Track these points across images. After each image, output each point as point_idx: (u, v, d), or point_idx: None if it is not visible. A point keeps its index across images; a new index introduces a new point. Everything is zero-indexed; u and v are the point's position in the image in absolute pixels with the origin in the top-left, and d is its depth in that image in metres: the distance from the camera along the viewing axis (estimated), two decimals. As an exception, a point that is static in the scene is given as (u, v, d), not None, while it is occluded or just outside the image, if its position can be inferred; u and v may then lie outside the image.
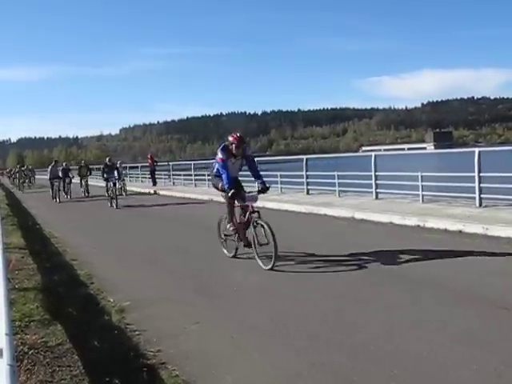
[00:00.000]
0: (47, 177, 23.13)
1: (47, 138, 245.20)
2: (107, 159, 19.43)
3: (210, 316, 4.93)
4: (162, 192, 22.62)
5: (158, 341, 4.27)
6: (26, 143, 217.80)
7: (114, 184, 18.03)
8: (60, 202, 21.32)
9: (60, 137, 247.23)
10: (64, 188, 23.33)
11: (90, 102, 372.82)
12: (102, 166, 20.03)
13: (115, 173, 18.84)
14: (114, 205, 17.08)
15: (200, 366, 3.77)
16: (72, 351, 4.11)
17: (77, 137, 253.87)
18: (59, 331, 4.58)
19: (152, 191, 23.55)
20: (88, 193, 23.69)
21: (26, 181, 36.39)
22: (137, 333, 4.50)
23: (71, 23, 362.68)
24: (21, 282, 6.49)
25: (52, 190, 22.51)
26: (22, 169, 38.67)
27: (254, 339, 4.24)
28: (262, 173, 7.36)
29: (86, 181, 24.08)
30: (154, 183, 26.93)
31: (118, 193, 18.54)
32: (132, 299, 5.53)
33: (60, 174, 23.08)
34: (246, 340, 4.24)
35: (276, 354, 3.88)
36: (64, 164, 25.39)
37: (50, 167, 23.13)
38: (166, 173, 29.47)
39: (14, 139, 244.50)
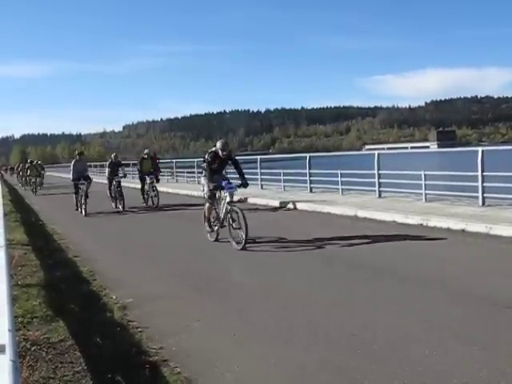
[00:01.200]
0: (69, 176, 15.68)
1: (50, 135, 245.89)
2: (219, 144, 8.54)
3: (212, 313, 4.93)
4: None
5: (160, 338, 4.27)
6: (29, 139, 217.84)
7: (232, 197, 8.40)
8: (86, 214, 14.00)
9: (63, 133, 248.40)
10: (111, 193, 15.77)
11: (92, 98, 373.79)
12: (205, 159, 8.65)
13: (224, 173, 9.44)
14: (235, 243, 7.94)
15: (202, 363, 3.77)
16: (74, 348, 4.12)
17: (80, 133, 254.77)
18: (61, 328, 4.58)
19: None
20: (155, 204, 15.43)
21: (38, 179, 28.33)
22: (139, 330, 4.50)
23: (71, 19, 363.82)
24: (23, 279, 6.49)
25: (76, 195, 15.05)
26: (33, 163, 29.88)
27: (256, 336, 4.24)
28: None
29: (152, 182, 15.90)
30: (157, 181, 26.72)
31: (243, 216, 7.91)
32: (134, 296, 5.54)
33: (106, 173, 16.69)
34: (247, 337, 4.24)
35: (278, 352, 3.88)
36: (112, 157, 16.72)
37: (72, 162, 15.15)
38: (168, 170, 28.51)
39: (17, 135, 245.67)
